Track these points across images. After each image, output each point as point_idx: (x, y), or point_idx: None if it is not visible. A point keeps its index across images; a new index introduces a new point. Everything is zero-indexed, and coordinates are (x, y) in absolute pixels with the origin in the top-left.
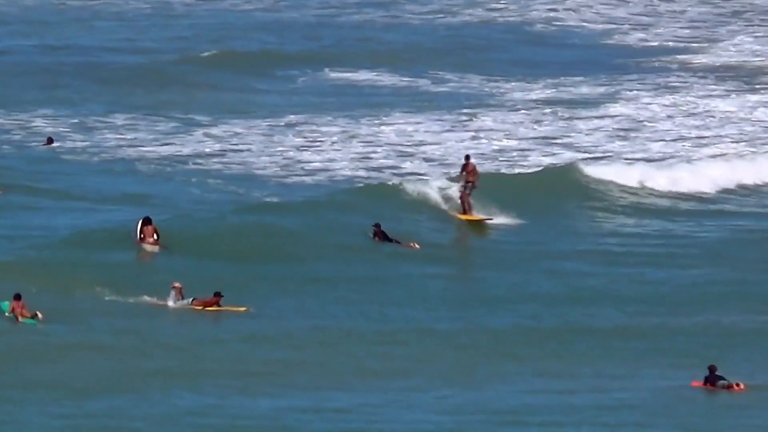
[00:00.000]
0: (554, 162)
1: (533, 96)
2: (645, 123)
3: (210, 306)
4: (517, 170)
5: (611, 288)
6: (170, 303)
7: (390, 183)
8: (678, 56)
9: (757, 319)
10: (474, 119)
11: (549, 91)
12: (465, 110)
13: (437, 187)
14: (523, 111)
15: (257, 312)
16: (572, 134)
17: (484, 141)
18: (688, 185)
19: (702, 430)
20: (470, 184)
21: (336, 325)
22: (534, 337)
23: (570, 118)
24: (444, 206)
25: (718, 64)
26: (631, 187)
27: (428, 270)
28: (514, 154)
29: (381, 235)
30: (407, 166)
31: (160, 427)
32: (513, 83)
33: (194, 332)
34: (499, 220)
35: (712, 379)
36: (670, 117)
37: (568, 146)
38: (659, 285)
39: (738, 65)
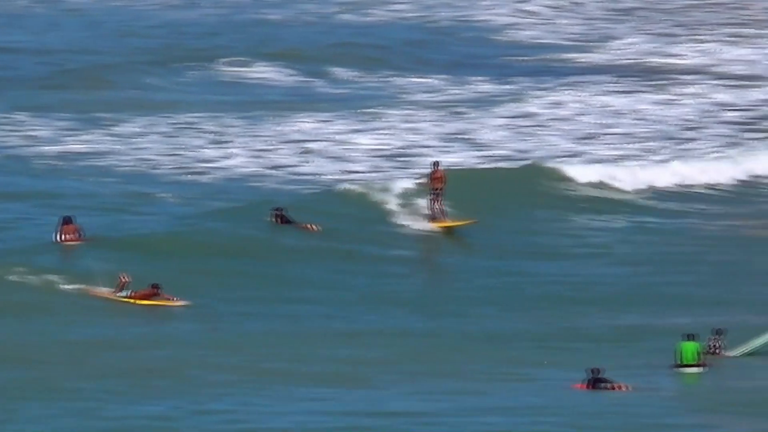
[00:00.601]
0: (457, 160)
1: (435, 95)
2: (549, 120)
3: (146, 298)
4: (416, 169)
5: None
6: (116, 294)
7: (344, 187)
8: (574, 54)
9: (650, 319)
10: (376, 118)
11: (453, 90)
12: (367, 109)
13: (399, 191)
14: (425, 109)
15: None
16: (476, 132)
17: (386, 139)
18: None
19: (590, 428)
20: (438, 190)
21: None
22: (433, 339)
23: (472, 117)
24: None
25: (613, 62)
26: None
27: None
28: (417, 152)
29: (281, 218)
30: (309, 164)
31: None
32: (414, 80)
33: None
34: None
35: (594, 381)
36: (573, 114)
37: (471, 144)
38: (558, 284)
39: (633, 64)
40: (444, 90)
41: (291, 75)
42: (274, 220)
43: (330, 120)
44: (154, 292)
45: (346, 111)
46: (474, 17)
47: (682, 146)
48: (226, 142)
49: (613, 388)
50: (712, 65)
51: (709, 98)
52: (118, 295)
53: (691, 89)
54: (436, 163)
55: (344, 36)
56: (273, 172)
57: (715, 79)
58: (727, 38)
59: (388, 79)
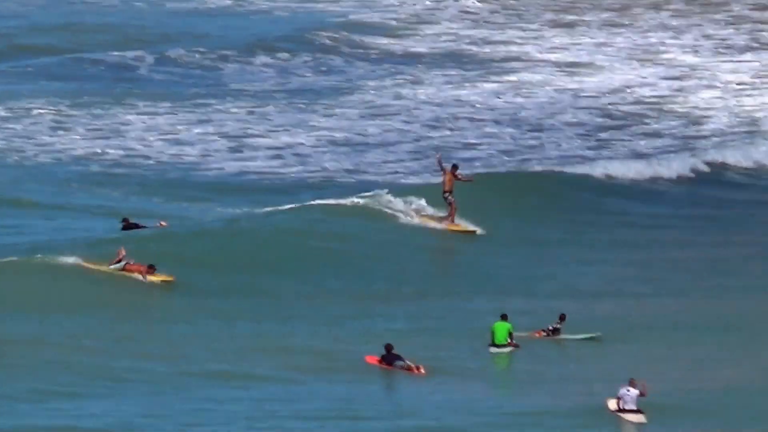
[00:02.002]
0: (284, 154)
1: (261, 85)
2: (397, 111)
3: (137, 272)
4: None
5: None
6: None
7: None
8: (393, 39)
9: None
10: (203, 111)
11: (279, 81)
12: (193, 100)
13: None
14: (249, 102)
15: None
16: (314, 122)
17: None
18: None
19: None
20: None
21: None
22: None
23: (302, 109)
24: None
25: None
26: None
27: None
28: (249, 143)
29: (129, 225)
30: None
31: None
32: (235, 65)
33: None
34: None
35: (388, 358)
36: (414, 106)
37: (313, 129)
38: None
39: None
40: (273, 78)
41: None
42: (121, 227)
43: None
44: (144, 269)
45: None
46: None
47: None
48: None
49: (409, 369)
50: (539, 53)
51: (553, 87)
52: (111, 267)
53: (513, 77)
54: (455, 166)
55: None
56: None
57: (550, 67)
58: (549, 26)
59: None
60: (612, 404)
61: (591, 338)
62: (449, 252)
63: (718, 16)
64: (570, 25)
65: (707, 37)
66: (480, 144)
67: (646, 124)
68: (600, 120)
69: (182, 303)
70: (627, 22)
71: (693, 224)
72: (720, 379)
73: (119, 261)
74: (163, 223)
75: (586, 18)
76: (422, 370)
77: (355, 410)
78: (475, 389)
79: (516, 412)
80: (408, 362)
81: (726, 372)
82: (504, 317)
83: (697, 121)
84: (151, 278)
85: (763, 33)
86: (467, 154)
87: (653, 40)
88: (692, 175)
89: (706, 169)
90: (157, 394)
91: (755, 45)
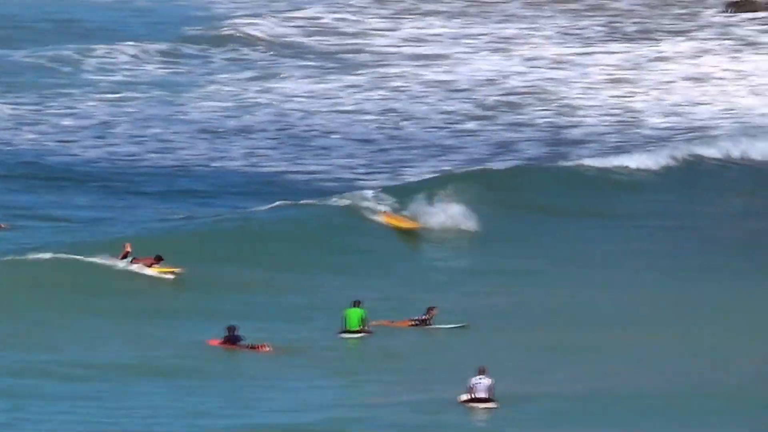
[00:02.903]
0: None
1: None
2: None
3: (147, 265)
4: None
5: None
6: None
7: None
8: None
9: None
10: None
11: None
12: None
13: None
14: (105, 93)
15: None
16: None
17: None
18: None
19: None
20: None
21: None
22: None
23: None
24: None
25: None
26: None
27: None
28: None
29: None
30: None
31: None
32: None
33: None
34: None
35: (232, 338)
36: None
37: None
38: None
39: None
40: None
41: None
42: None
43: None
44: (155, 261)
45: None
46: None
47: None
48: None
49: (253, 347)
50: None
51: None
52: (123, 262)
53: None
54: None
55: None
56: None
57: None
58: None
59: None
60: (464, 395)
61: (460, 327)
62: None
63: (572, 6)
64: (428, 14)
65: (565, 27)
66: (346, 138)
67: (514, 114)
68: (466, 111)
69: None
70: (482, 11)
71: (575, 218)
72: (576, 370)
73: (125, 256)
74: (2, 225)
75: (442, 9)
76: (267, 348)
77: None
78: (315, 376)
79: (354, 404)
80: (252, 342)
81: (583, 362)
82: (357, 303)
83: (566, 113)
84: (158, 270)
85: (619, 24)
86: (327, 142)
87: (512, 31)
88: (570, 168)
89: (588, 166)
90: None
91: (617, 35)
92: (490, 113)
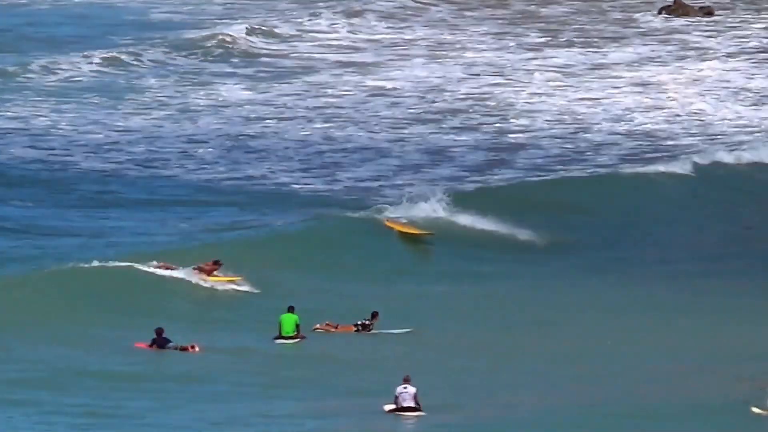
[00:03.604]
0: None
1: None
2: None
3: (209, 272)
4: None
5: None
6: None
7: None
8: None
9: None
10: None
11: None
12: None
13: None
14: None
15: None
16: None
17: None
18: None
19: None
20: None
21: None
22: None
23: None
24: None
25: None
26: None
27: None
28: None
29: None
30: None
31: None
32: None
33: None
34: None
35: (159, 341)
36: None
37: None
38: None
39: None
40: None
41: None
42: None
43: None
44: (215, 266)
45: None
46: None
47: None
48: None
49: (183, 349)
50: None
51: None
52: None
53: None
54: None
55: None
56: None
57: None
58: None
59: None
60: (389, 405)
61: (406, 333)
62: None
63: (503, 12)
64: (358, 14)
65: (499, 34)
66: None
67: (456, 121)
68: (408, 117)
69: None
70: (412, 15)
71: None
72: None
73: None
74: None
75: (368, 17)
76: (197, 349)
77: None
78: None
79: (278, 413)
80: (181, 344)
81: (526, 370)
82: (291, 309)
83: (508, 120)
84: (216, 278)
85: (554, 30)
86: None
87: (447, 36)
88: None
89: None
90: None
91: (554, 43)
92: (433, 118)
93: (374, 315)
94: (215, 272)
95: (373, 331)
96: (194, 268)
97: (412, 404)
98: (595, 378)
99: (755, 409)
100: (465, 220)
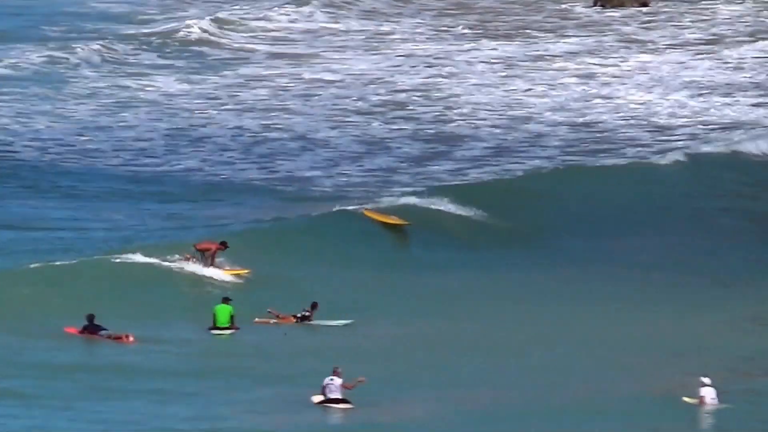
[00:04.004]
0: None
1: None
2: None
3: (214, 252)
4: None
5: None
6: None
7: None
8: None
9: None
10: None
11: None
12: None
13: None
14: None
15: None
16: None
17: None
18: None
19: None
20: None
21: None
22: None
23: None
24: None
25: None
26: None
27: None
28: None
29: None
30: None
31: None
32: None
33: None
34: None
35: (91, 328)
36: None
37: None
38: None
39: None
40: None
41: None
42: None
43: None
44: (221, 247)
45: None
46: None
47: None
48: None
49: (117, 338)
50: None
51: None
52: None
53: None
54: None
55: None
56: None
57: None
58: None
59: None
60: (317, 396)
61: (345, 325)
62: None
63: (437, 4)
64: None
65: (435, 25)
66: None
67: (399, 111)
68: (351, 109)
69: None
70: (345, 3)
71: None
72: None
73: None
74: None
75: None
76: (131, 339)
77: None
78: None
79: (208, 404)
80: (115, 332)
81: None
82: (226, 300)
83: (450, 110)
84: (225, 271)
85: (491, 22)
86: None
87: (384, 28)
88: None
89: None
90: None
91: (492, 34)
92: (374, 110)
93: (314, 306)
94: (217, 257)
95: (313, 322)
96: (196, 247)
97: (338, 396)
98: (543, 371)
99: (686, 399)
100: (443, 209)
